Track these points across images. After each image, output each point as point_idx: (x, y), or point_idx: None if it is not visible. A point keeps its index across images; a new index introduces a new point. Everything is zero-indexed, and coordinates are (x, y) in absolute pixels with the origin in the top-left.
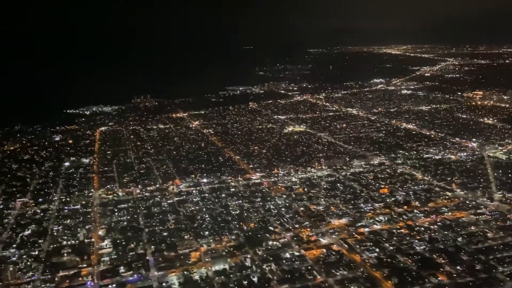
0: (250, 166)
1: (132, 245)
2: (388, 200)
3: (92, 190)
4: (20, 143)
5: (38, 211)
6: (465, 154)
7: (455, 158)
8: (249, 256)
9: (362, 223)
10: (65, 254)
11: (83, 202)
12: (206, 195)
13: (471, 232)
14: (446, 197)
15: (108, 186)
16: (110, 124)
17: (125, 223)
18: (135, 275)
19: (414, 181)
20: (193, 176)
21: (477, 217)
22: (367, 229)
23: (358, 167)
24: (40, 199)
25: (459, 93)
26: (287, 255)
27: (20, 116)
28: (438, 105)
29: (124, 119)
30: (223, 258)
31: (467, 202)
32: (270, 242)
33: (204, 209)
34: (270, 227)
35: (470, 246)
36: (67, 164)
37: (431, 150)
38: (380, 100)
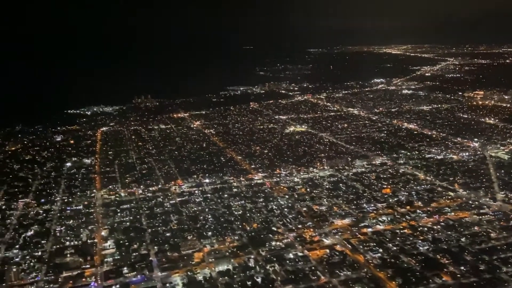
0: (252, 166)
1: (135, 245)
2: (390, 200)
3: (94, 190)
4: (22, 144)
5: (41, 211)
6: (467, 154)
7: (457, 158)
8: (252, 256)
9: (365, 223)
10: (68, 255)
11: (86, 203)
12: (209, 195)
13: (475, 232)
14: (449, 197)
15: (110, 186)
16: (111, 124)
17: (127, 223)
18: (138, 276)
19: (416, 181)
20: (195, 176)
21: (480, 217)
22: (370, 230)
23: (360, 167)
24: (42, 200)
25: (460, 93)
26: (291, 255)
27: (21, 116)
28: (439, 105)
29: (125, 119)
30: (226, 259)
31: (470, 202)
32: (273, 243)
33: (206, 210)
34: (273, 228)
35: (473, 246)
36: (68, 164)
37: (433, 150)
38: (381, 100)
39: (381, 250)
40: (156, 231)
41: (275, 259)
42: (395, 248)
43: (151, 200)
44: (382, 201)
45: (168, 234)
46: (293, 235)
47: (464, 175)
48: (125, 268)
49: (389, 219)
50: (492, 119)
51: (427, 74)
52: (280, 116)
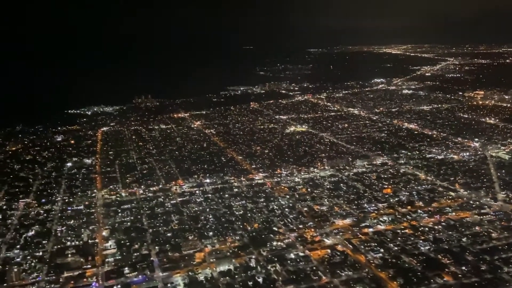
0: (252, 166)
1: (136, 245)
2: (391, 200)
3: (95, 190)
4: (22, 144)
5: (41, 211)
6: (467, 154)
7: (457, 158)
8: (253, 256)
9: (366, 223)
10: (69, 255)
11: (86, 203)
12: (209, 195)
13: (476, 232)
14: (450, 197)
15: (111, 186)
16: (111, 124)
17: (128, 223)
18: (140, 276)
19: (417, 181)
20: (196, 176)
21: (481, 217)
22: (371, 230)
23: (361, 167)
24: (43, 200)
25: (460, 93)
26: (292, 255)
27: (21, 117)
28: (440, 105)
29: (126, 119)
30: (227, 259)
31: (471, 202)
32: (275, 243)
33: (207, 210)
34: (274, 228)
35: (475, 247)
36: (69, 164)
37: (434, 150)
38: (381, 100)
39: (382, 250)
40: (157, 231)
41: (276, 259)
42: (396, 248)
43: (152, 200)
44: (383, 201)
45: (169, 234)
46: (294, 235)
47: (465, 175)
48: (126, 268)
49: (390, 219)
50: (493, 119)
51: (427, 74)
52: (281, 116)
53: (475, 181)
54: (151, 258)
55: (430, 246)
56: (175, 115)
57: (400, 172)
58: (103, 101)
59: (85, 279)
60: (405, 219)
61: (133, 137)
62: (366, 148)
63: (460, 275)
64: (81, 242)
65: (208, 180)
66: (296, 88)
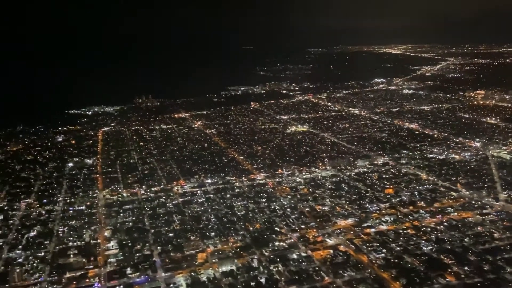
0: (254, 166)
1: (138, 246)
2: (393, 201)
3: (96, 191)
4: (23, 144)
5: (43, 212)
6: (469, 154)
7: (459, 158)
8: (256, 257)
9: (368, 223)
10: (72, 256)
11: (88, 203)
12: (211, 195)
13: (478, 233)
14: (452, 197)
15: (112, 187)
16: (112, 124)
17: (130, 224)
18: (142, 276)
19: (418, 181)
20: (197, 176)
21: (483, 217)
22: (373, 230)
23: (362, 167)
24: (45, 200)
25: (461, 93)
26: (294, 256)
27: (22, 117)
28: (440, 105)
29: (126, 120)
30: (230, 259)
31: (473, 202)
32: (277, 243)
33: (209, 210)
34: (276, 228)
35: (477, 247)
36: (70, 164)
37: (435, 150)
38: (382, 99)
39: (384, 251)
40: (159, 232)
41: (278, 259)
42: (398, 248)
43: (153, 200)
44: (384, 201)
45: (171, 235)
46: (296, 236)
47: (466, 175)
48: (128, 268)
49: (392, 219)
50: (494, 119)
51: (427, 74)
52: (281, 116)
53: (476, 181)
54: (153, 259)
55: (432, 246)
56: (175, 115)
57: (402, 172)
58: (104, 101)
59: (87, 280)
60: (407, 219)
61: (134, 137)
62: (367, 148)
63: (462, 275)
64: (83, 242)
65: (209, 180)
66: (297, 88)
